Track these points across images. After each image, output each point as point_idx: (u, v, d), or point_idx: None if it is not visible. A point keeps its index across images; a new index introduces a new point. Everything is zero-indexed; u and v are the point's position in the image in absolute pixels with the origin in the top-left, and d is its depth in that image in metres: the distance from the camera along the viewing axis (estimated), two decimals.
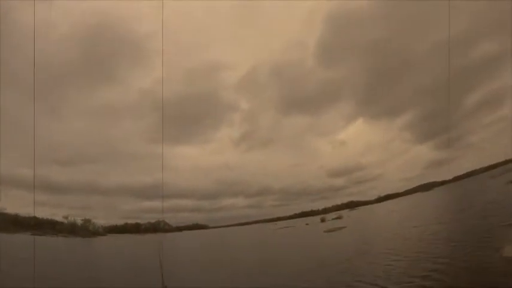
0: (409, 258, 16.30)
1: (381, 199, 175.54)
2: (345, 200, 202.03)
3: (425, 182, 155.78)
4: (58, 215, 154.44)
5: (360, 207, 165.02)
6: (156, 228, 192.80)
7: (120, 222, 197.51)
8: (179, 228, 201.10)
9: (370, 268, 15.72)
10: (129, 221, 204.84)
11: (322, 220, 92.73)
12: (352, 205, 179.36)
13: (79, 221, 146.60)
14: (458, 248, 16.18)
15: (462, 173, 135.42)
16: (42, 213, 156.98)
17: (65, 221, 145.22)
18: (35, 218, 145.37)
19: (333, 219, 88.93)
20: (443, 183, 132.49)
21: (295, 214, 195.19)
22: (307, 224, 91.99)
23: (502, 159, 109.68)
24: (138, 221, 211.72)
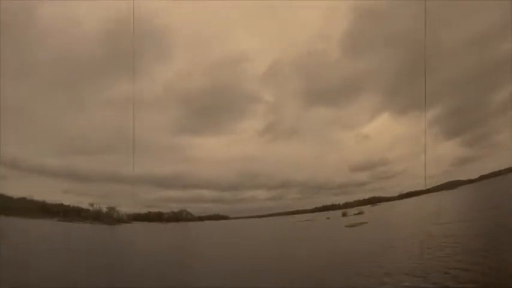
0: (433, 256, 16.01)
1: (403, 196, 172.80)
2: (367, 195, 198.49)
3: (450, 179, 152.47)
4: (84, 203, 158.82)
5: (382, 203, 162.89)
6: (178, 217, 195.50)
7: (143, 210, 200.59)
8: (201, 218, 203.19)
9: (393, 263, 15.53)
10: (152, 210, 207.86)
11: (344, 215, 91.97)
12: (374, 201, 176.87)
13: (104, 209, 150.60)
14: (483, 247, 16.02)
15: (489, 172, 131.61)
16: (68, 200, 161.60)
17: (91, 208, 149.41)
18: (61, 205, 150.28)
19: (354, 214, 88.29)
20: (469, 181, 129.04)
21: (316, 208, 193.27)
22: (328, 218, 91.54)
23: None
24: (161, 209, 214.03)
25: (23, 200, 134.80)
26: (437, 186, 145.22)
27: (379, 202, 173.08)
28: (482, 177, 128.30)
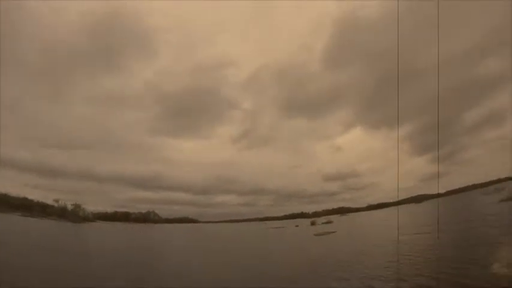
0: (398, 264, 16.43)
1: (372, 207, 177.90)
2: (337, 205, 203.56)
3: (418, 193, 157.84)
4: (49, 198, 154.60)
5: (350, 214, 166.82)
6: (146, 218, 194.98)
7: (110, 210, 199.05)
8: (169, 220, 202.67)
9: (359, 272, 15.56)
10: (119, 210, 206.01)
11: (313, 223, 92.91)
12: (342, 211, 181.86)
13: (69, 206, 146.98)
14: (445, 261, 16.15)
15: (455, 188, 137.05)
16: (34, 195, 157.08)
17: (56, 204, 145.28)
18: (25, 199, 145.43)
19: (323, 223, 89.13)
20: (435, 196, 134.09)
21: (286, 215, 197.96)
22: (296, 226, 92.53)
23: (495, 177, 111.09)
24: (129, 210, 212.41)
25: None
26: (405, 199, 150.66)
27: (348, 212, 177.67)
28: (449, 193, 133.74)
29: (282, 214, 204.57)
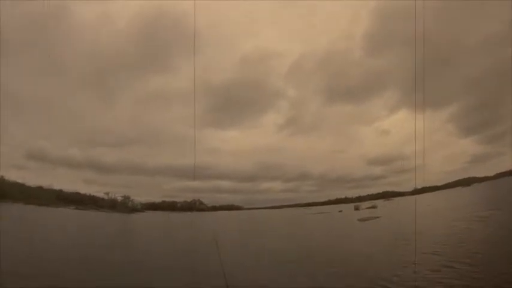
0: (443, 252, 16.36)
1: (417, 191, 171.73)
2: (380, 189, 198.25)
3: (466, 176, 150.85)
4: (100, 192, 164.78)
5: (395, 198, 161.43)
6: (191, 206, 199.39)
7: (158, 200, 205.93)
8: (214, 208, 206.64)
9: (405, 259, 15.60)
10: (166, 199, 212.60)
11: (356, 208, 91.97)
12: (387, 195, 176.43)
13: (119, 198, 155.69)
14: (494, 246, 16.08)
15: (505, 170, 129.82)
16: (86, 190, 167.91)
17: (106, 197, 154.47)
18: (78, 194, 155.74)
19: (367, 208, 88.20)
20: (484, 179, 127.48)
21: (330, 200, 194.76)
22: (340, 211, 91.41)
23: None
24: (176, 199, 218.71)
25: (40, 189, 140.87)
26: (453, 182, 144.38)
27: (392, 196, 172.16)
28: (498, 175, 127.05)
29: (325, 199, 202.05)
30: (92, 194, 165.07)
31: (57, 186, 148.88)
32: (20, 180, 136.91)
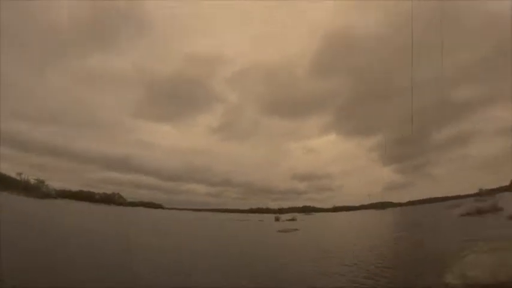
0: (358, 266, 16.45)
1: (336, 209, 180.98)
2: (302, 204, 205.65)
3: (381, 200, 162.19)
4: (13, 171, 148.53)
5: (315, 213, 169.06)
6: (110, 199, 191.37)
7: (75, 188, 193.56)
8: (133, 204, 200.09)
9: (320, 272, 15.52)
10: (84, 188, 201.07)
11: (277, 219, 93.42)
12: (308, 210, 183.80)
13: (32, 180, 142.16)
14: (401, 268, 16.39)
15: (417, 199, 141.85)
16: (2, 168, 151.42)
17: (18, 177, 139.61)
18: None
19: (287, 220, 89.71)
20: (398, 205, 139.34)
21: (251, 209, 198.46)
22: (261, 220, 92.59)
23: (457, 193, 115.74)
24: (94, 190, 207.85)
25: None
26: (369, 204, 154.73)
27: (312, 211, 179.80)
28: (410, 202, 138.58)
29: (248, 207, 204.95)
30: (2, 172, 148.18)
31: None
32: None
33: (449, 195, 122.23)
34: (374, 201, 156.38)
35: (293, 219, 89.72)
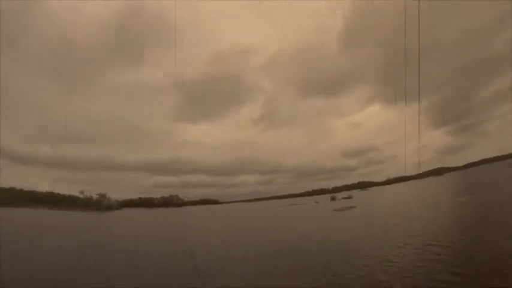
0: (419, 240, 15.79)
1: (391, 181, 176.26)
2: (356, 180, 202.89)
3: (437, 166, 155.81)
4: (75, 191, 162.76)
5: (370, 188, 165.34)
6: (168, 202, 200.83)
7: (134, 196, 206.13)
8: (191, 203, 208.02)
9: (382, 248, 15.17)
10: (143, 196, 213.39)
11: (332, 199, 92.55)
12: (362, 185, 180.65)
13: (94, 196, 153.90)
14: (466, 234, 15.99)
15: (475, 161, 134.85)
16: (60, 189, 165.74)
17: (81, 195, 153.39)
18: (51, 193, 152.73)
19: (343, 198, 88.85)
20: (454, 169, 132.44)
21: (305, 192, 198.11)
22: (316, 202, 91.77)
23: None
24: (152, 195, 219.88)
25: (12, 190, 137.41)
26: (424, 172, 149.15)
27: (367, 187, 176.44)
28: (468, 165, 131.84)
29: (302, 191, 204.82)
30: (67, 193, 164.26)
31: (29, 186, 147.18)
32: None
33: (508, 152, 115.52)
34: (429, 168, 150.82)
35: (349, 197, 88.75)
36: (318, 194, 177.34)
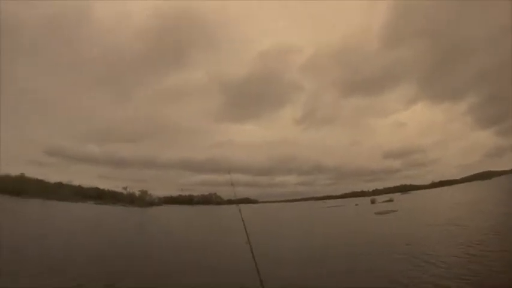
0: (462, 249, 15.16)
1: (435, 184, 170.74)
2: (398, 182, 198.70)
3: (484, 170, 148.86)
4: (119, 187, 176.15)
5: (412, 192, 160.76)
6: (208, 200, 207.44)
7: (174, 193, 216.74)
8: (230, 202, 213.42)
9: (423, 255, 14.89)
10: (183, 193, 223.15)
11: (373, 202, 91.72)
12: (404, 189, 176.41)
13: (137, 192, 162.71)
14: None
15: None
16: (105, 185, 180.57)
17: (124, 191, 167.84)
18: (97, 188, 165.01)
19: (383, 201, 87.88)
20: (503, 173, 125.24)
21: (345, 194, 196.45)
22: (356, 205, 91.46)
23: None
24: (192, 193, 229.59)
25: (60, 185, 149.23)
26: (471, 175, 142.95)
27: (409, 190, 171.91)
28: None
29: (342, 192, 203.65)
30: (111, 188, 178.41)
31: (76, 181, 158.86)
32: (40, 177, 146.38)
33: None
34: (476, 171, 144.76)
35: (390, 200, 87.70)
36: (357, 196, 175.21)
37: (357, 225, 35.12)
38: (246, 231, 8.36)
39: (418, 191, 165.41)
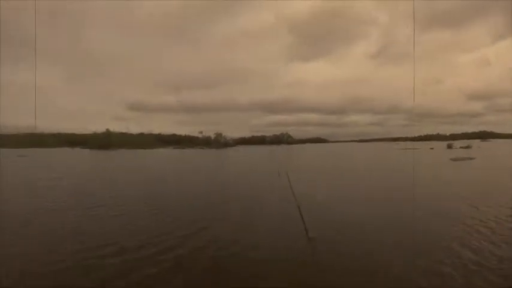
0: None
1: None
2: (478, 128, 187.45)
3: None
4: (195, 132, 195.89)
5: (493, 140, 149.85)
6: (280, 140, 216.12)
7: (247, 135, 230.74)
8: (301, 141, 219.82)
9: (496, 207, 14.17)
10: (256, 134, 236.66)
11: (449, 147, 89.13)
12: (484, 135, 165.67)
13: (212, 135, 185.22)
14: None
15: None
16: (182, 131, 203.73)
17: (200, 135, 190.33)
18: (174, 135, 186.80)
19: (461, 147, 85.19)
20: None
21: (420, 136, 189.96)
22: (431, 148, 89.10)
23: None
24: (265, 133, 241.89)
25: (141, 135, 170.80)
26: None
27: (490, 137, 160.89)
28: None
29: (415, 135, 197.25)
30: (188, 134, 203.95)
31: (156, 130, 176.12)
32: (123, 130, 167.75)
33: None
34: None
35: (468, 147, 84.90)
36: (433, 140, 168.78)
37: (430, 171, 32.83)
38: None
39: (500, 140, 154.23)
